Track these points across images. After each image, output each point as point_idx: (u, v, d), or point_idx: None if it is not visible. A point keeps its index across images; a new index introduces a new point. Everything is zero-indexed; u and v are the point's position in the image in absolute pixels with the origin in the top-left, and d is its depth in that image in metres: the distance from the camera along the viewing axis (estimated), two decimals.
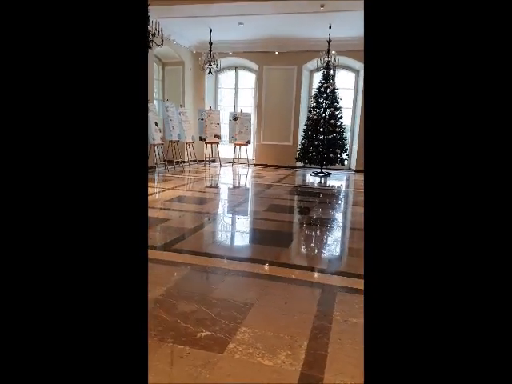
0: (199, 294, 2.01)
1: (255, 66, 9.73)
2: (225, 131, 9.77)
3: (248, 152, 9.82)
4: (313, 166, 9.10)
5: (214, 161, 10.16)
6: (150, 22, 5.60)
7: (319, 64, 7.87)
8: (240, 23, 7.72)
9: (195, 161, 9.39)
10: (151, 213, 3.98)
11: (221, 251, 2.85)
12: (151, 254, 2.63)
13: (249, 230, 3.56)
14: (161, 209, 4.26)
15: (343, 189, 6.81)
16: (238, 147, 9.78)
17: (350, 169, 9.70)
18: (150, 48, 5.66)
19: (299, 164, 9.86)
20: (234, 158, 9.82)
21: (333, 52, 7.70)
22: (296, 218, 4.32)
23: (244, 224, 3.80)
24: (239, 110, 9.72)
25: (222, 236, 3.38)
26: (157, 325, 1.68)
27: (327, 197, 5.84)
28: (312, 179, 7.73)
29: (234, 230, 3.53)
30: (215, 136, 9.56)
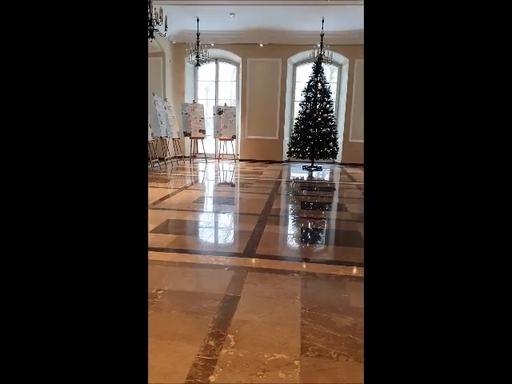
0: (340, 305, 1.89)
1: (238, 59, 9.50)
2: (208, 126, 9.46)
3: (232, 147, 9.62)
4: (299, 160, 9.12)
5: (195, 157, 9.79)
6: (153, 8, 5.21)
7: (312, 57, 7.85)
8: (231, 13, 7.46)
9: (181, 157, 9.00)
10: (191, 217, 3.72)
11: (314, 255, 2.72)
12: (244, 262, 2.45)
13: (311, 230, 3.45)
14: (194, 211, 4.00)
15: (352, 182, 6.87)
16: (222, 142, 9.53)
17: (334, 162, 9.86)
18: (153, 37, 5.26)
19: (285, 158, 9.84)
20: (219, 154, 9.56)
21: (327, 45, 7.70)
22: (342, 215, 4.27)
23: (301, 224, 3.68)
24: (222, 104, 9.44)
25: (295, 239, 3.24)
26: (335, 343, 1.54)
27: (345, 191, 5.86)
28: (310, 173, 7.74)
29: (299, 231, 3.40)
30: (200, 131, 9.22)
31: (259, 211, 4.00)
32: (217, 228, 3.41)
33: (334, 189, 6.03)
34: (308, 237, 3.23)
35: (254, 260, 2.51)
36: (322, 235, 3.34)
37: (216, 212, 4.06)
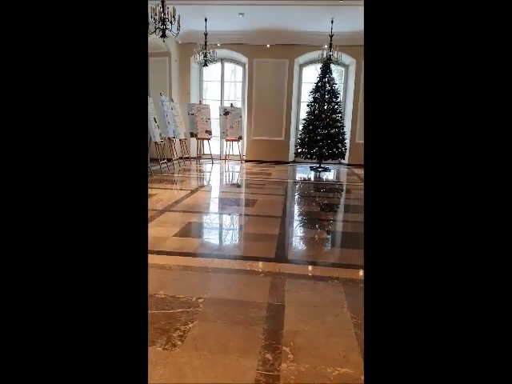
0: None
1: (244, 59, 9.42)
2: (213, 126, 9.36)
3: (239, 148, 9.53)
4: (306, 160, 9.05)
5: (200, 157, 9.68)
6: (166, 8, 5.12)
7: (320, 58, 7.78)
8: (240, 13, 7.38)
9: (187, 158, 8.90)
10: (211, 219, 3.63)
11: (347, 260, 2.64)
12: (278, 267, 2.36)
13: (338, 233, 3.36)
14: (213, 213, 3.91)
15: (363, 183, 6.81)
16: (228, 143, 9.44)
17: (340, 163, 9.79)
18: (166, 37, 5.17)
19: (292, 159, 9.77)
20: (225, 155, 9.47)
21: (336, 46, 7.63)
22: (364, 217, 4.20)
23: (326, 227, 3.59)
24: (228, 105, 9.35)
25: (323, 243, 3.15)
26: None
27: (359, 192, 5.79)
28: (318, 174, 7.66)
29: (325, 235, 3.32)
30: (206, 132, 9.13)
31: (279, 213, 3.92)
32: (241, 231, 3.33)
33: (348, 190, 5.96)
34: (336, 240, 3.16)
35: (287, 265, 2.42)
36: (351, 239, 3.26)
37: (236, 214, 3.96)
